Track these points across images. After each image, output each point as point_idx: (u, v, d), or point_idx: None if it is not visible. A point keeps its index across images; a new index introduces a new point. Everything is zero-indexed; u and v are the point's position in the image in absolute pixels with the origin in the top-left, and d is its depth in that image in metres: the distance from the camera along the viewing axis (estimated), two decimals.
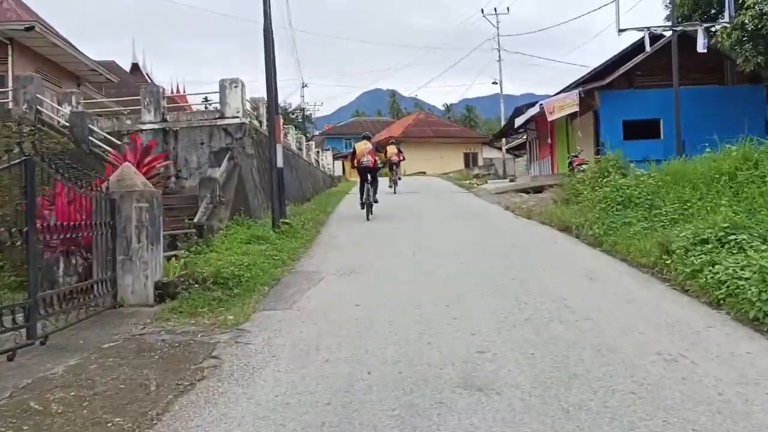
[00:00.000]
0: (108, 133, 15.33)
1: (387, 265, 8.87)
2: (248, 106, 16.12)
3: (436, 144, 55.64)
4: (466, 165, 56.79)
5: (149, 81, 42.50)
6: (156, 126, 15.31)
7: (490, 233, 11.72)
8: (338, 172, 42.32)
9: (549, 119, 22.08)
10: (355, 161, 15.17)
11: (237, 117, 15.06)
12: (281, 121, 12.04)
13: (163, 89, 15.60)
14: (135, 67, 40.77)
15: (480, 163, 57.20)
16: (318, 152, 31.23)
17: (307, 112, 60.94)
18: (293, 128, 23.02)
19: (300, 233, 11.43)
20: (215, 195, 11.70)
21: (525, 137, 39.76)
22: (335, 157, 55.16)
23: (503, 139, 42.13)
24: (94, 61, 24.62)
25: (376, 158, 15.64)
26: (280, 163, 11.27)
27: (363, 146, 15.32)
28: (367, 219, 14.42)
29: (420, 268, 8.48)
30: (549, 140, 25.46)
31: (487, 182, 28.84)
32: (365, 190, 14.67)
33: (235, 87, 15.02)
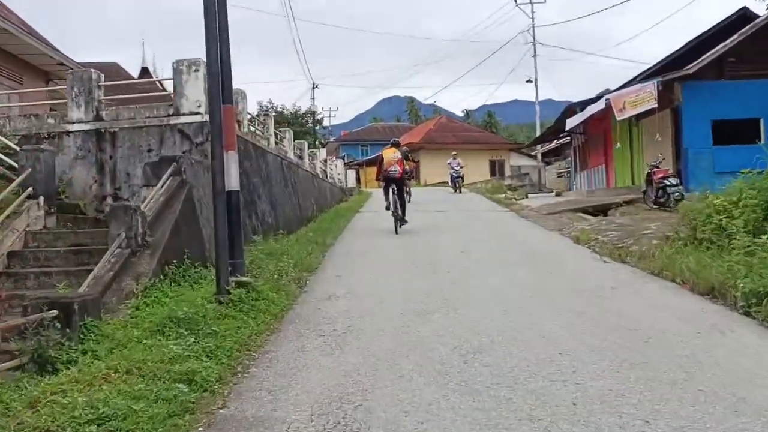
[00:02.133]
0: (24, 135, 11.04)
1: (416, 400, 4.30)
2: None
3: (460, 151, 50.80)
4: (492, 174, 52.05)
5: (159, 86, 39.30)
6: (87, 126, 10.96)
7: (579, 300, 7.09)
8: (352, 182, 37.75)
9: (618, 118, 17.37)
10: (381, 170, 13.85)
11: (198, 114, 10.66)
12: (235, 114, 7.46)
13: (99, 75, 11.21)
14: (145, 71, 38.48)
15: (507, 171, 52.44)
16: (326, 161, 26.76)
17: (319, 116, 56.39)
18: (290, 132, 18.57)
19: (266, 299, 6.87)
20: (134, 234, 7.22)
21: (569, 142, 35.09)
22: (349, 166, 50.84)
23: (538, 146, 37.34)
24: (63, 54, 20.44)
25: (405, 167, 14.10)
26: (233, 183, 6.78)
27: (390, 154, 13.78)
28: (396, 232, 13.16)
29: (488, 419, 3.90)
30: (617, 144, 20.53)
31: (527, 196, 24.15)
32: (392, 201, 13.35)
33: (195, 71, 10.61)
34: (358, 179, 51.69)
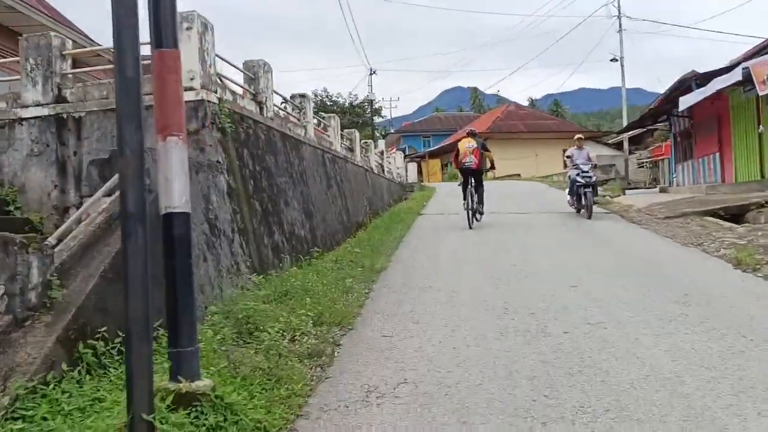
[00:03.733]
0: None
1: None
2: (220, 68, 8.52)
3: (529, 140, 46.80)
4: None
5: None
6: (45, 111, 7.96)
7: None
8: (413, 176, 34.25)
9: (761, 92, 13.22)
10: (458, 162, 13.26)
11: (191, 90, 7.48)
12: (181, 60, 4.02)
13: (63, 41, 8.18)
14: None
15: None
16: (382, 153, 23.40)
17: (377, 105, 52.83)
18: (336, 119, 15.21)
19: (238, 422, 3.58)
20: (23, 289, 4.08)
21: (650, 130, 30.72)
22: (410, 158, 47.54)
23: (625, 134, 32.85)
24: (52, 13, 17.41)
25: (481, 158, 12.98)
26: (175, 198, 3.50)
27: (466, 144, 13.12)
28: (470, 227, 12.57)
29: None
30: (760, 128, 15.97)
31: (624, 193, 20.14)
32: (468, 193, 12.86)
33: (188, 29, 7.42)
34: (420, 172, 48.31)
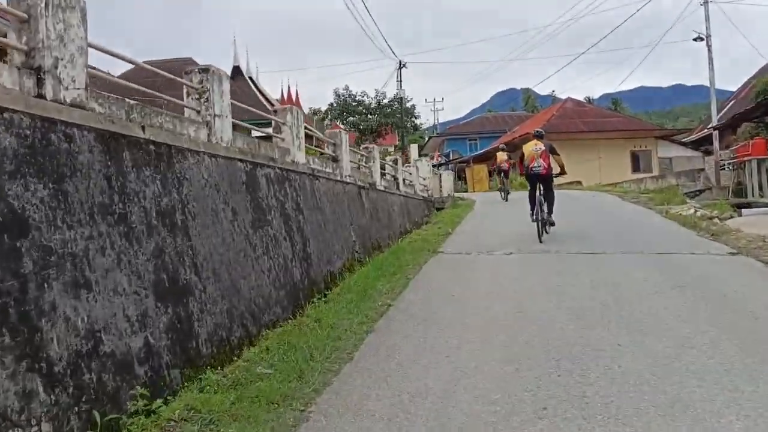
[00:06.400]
0: None
1: None
2: None
3: (591, 141, 40.16)
4: (635, 169, 40.81)
5: (253, 87, 33.56)
6: None
7: None
8: (449, 188, 28.46)
9: None
10: (524, 167, 11.81)
11: None
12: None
13: None
14: (236, 70, 33.67)
15: (654, 166, 40.98)
16: (395, 161, 17.83)
17: (408, 103, 46.64)
18: (294, 112, 9.76)
19: None
20: None
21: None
22: (455, 163, 41.90)
23: (714, 131, 26.44)
24: None
25: (551, 162, 11.42)
26: None
27: (532, 147, 11.64)
28: (540, 241, 11.11)
29: None
30: None
31: (737, 212, 14.14)
32: (537, 202, 11.45)
33: None
34: (464, 180, 42.69)
